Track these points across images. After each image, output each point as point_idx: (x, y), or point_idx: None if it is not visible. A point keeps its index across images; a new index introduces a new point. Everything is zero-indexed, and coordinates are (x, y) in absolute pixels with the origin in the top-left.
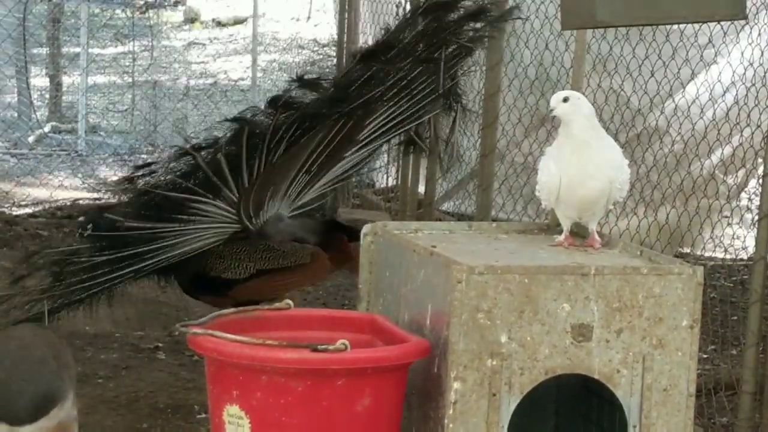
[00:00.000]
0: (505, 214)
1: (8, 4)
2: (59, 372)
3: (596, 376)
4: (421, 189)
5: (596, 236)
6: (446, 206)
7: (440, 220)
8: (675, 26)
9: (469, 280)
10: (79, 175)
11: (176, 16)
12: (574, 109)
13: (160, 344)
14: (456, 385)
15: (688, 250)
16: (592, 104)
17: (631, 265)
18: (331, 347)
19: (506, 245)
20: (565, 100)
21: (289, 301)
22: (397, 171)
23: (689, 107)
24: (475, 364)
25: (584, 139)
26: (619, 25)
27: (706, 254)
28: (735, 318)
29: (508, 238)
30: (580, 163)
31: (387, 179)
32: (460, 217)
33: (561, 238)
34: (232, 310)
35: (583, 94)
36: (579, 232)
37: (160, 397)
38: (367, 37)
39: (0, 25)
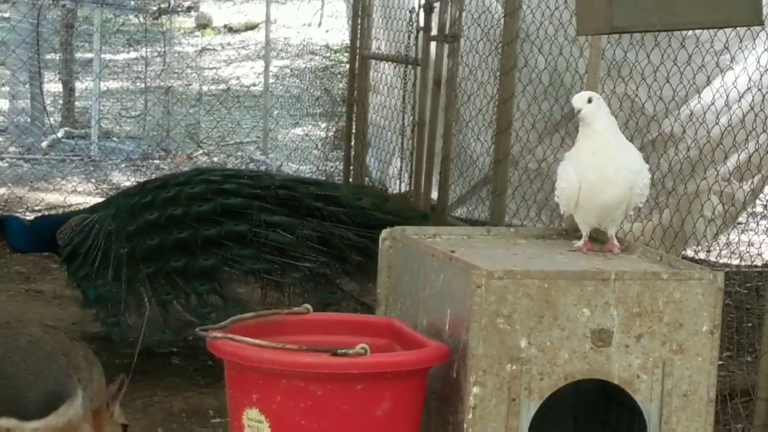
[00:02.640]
0: (518, 220)
1: (22, 10)
2: (68, 370)
3: (616, 382)
4: (434, 195)
5: (615, 241)
6: (459, 212)
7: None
8: (690, 32)
9: (489, 285)
10: (92, 180)
11: (188, 22)
12: (597, 108)
13: (175, 349)
14: (475, 389)
15: (692, 253)
16: None
17: (651, 271)
18: (350, 351)
19: (525, 250)
20: (590, 100)
21: (308, 306)
22: (410, 177)
23: (704, 113)
24: (494, 368)
25: (607, 137)
26: (636, 31)
27: (721, 260)
28: (750, 325)
29: (526, 244)
30: (601, 166)
31: (400, 185)
32: (473, 223)
33: (580, 243)
34: (251, 314)
35: None
36: (598, 237)
37: (175, 401)
38: (380, 42)
39: (14, 30)
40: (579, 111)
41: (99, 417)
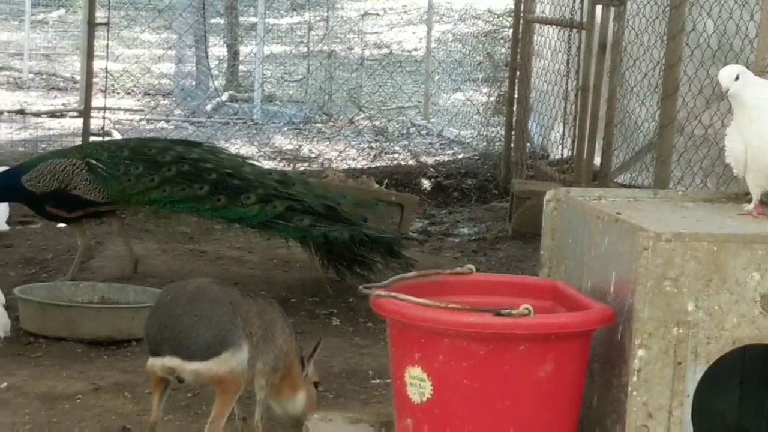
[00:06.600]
0: (683, 187)
1: None
2: (234, 320)
3: None
4: (597, 160)
5: None
6: (622, 178)
7: None
8: None
9: (656, 248)
10: (255, 144)
11: None
12: (744, 84)
13: (335, 310)
14: (640, 352)
15: None
16: None
17: None
18: (514, 312)
19: (693, 213)
20: (737, 77)
21: (471, 266)
22: (573, 142)
23: None
24: (660, 332)
25: (758, 106)
26: None
27: None
28: None
29: (694, 207)
30: (761, 131)
31: (562, 150)
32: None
33: (750, 206)
34: (413, 273)
35: None
36: None
37: (334, 361)
38: (544, 6)
39: None
40: (727, 90)
41: (291, 375)
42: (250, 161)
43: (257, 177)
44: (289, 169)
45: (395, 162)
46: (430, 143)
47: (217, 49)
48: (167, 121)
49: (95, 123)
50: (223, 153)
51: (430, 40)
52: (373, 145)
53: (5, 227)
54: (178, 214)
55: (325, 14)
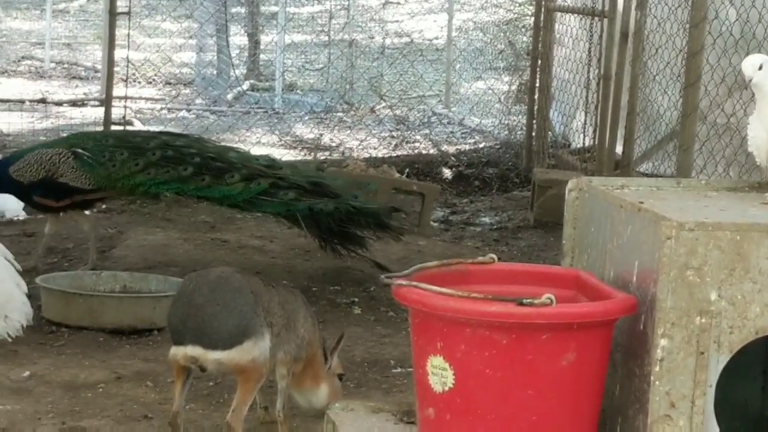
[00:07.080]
0: (705, 176)
1: None
2: (256, 309)
3: None
4: (619, 149)
5: None
6: (644, 167)
7: None
8: None
9: (679, 237)
10: (276, 132)
11: None
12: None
13: (356, 299)
14: (663, 342)
15: None
16: None
17: None
18: (536, 301)
19: (716, 202)
20: (761, 67)
21: (493, 255)
22: (594, 131)
23: None
24: (683, 321)
25: None
26: None
27: None
28: None
29: (718, 196)
30: None
31: (584, 139)
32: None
33: None
34: (435, 263)
35: None
36: None
37: (356, 350)
38: None
39: None
40: (750, 80)
41: (314, 366)
42: (237, 149)
43: (242, 161)
44: (310, 158)
45: (416, 151)
46: (452, 132)
47: (238, 38)
48: (188, 111)
49: (116, 112)
50: (209, 142)
51: (451, 28)
52: (394, 134)
53: (22, 214)
54: (165, 195)
55: (346, 3)
